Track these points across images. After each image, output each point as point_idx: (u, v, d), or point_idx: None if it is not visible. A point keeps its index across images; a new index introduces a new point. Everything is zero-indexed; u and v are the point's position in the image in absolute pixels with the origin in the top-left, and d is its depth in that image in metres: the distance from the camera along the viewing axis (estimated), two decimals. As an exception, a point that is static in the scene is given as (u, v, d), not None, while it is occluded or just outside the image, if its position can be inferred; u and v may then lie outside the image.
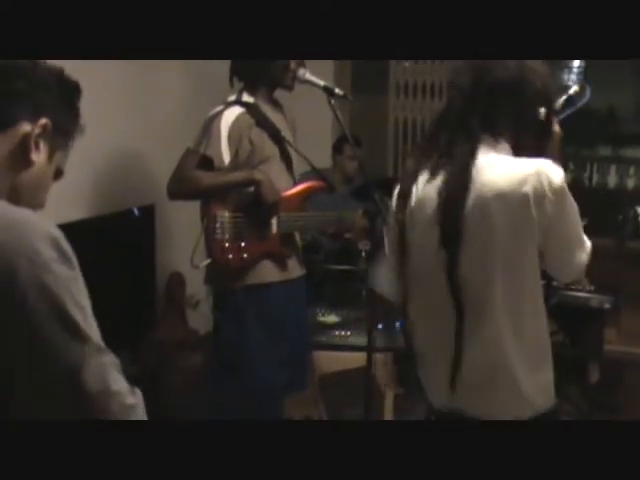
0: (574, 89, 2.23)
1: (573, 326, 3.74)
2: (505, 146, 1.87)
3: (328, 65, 5.28)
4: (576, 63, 5.18)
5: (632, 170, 5.24)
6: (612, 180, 5.28)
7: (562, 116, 2.13)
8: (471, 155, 1.84)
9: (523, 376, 1.88)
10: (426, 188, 1.92)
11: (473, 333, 1.87)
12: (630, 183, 5.23)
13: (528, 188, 1.78)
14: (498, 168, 1.82)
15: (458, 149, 1.86)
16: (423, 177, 1.93)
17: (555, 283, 3.50)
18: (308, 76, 2.90)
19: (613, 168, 5.29)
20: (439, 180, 1.88)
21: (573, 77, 5.26)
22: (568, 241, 1.89)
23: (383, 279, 2.13)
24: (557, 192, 1.80)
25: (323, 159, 4.76)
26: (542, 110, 1.90)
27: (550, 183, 1.79)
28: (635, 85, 5.70)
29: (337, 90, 2.80)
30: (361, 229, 3.02)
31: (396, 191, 2.01)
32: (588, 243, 1.93)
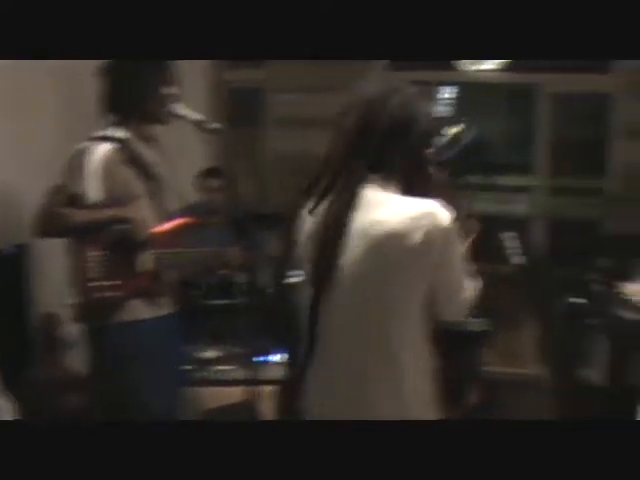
0: (459, 129, 2.24)
1: (452, 350, 3.82)
2: (394, 186, 1.89)
3: (203, 97, 5.27)
4: (446, 95, 5.35)
5: (505, 197, 5.42)
6: (485, 206, 5.43)
7: (448, 157, 2.14)
8: (352, 195, 1.86)
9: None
10: (307, 229, 1.95)
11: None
12: (502, 209, 5.41)
13: (420, 228, 1.81)
14: (389, 206, 1.84)
15: (340, 189, 1.88)
16: (306, 218, 1.96)
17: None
18: (181, 110, 2.88)
19: (485, 195, 5.45)
20: (318, 221, 1.91)
21: (445, 109, 5.43)
22: (454, 282, 1.94)
23: None
24: (446, 234, 1.84)
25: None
26: (425, 150, 1.94)
27: (440, 225, 1.82)
28: (506, 115, 5.93)
29: (211, 124, 2.80)
30: (237, 264, 3.02)
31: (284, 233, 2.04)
32: (472, 284, 1.99)
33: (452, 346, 3.78)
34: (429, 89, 5.11)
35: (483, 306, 3.78)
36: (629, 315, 2.89)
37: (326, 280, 1.88)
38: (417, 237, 1.81)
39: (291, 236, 2.00)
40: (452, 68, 5.13)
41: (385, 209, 1.84)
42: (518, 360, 5.04)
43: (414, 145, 1.91)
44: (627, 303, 3.04)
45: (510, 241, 2.95)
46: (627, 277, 3.54)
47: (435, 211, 1.83)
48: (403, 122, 1.88)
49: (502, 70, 5.07)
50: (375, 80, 1.98)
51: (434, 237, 1.82)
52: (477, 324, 3.77)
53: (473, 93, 5.39)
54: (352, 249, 1.86)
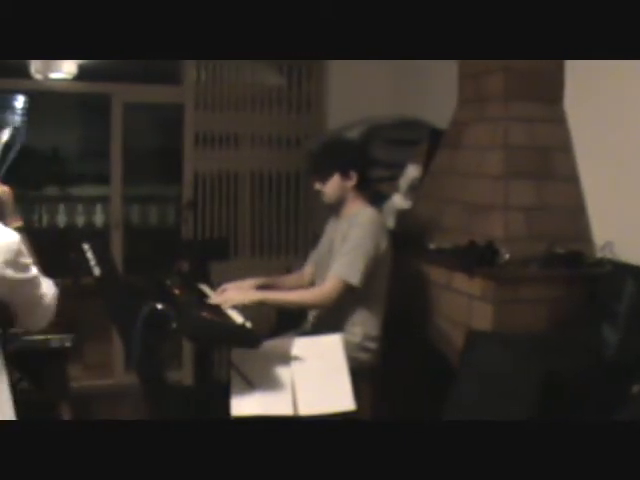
0: (8, 134, 2.19)
1: (36, 370, 3.70)
2: None
3: None
4: (20, 104, 5.12)
5: (80, 208, 5.37)
6: (62, 219, 5.33)
7: (5, 166, 2.11)
8: None
9: None
10: None
11: None
12: (80, 220, 5.35)
13: None
14: None
15: None
16: None
17: (15, 330, 3.42)
18: None
19: (62, 207, 5.35)
20: None
21: (16, 118, 5.19)
22: (31, 296, 1.96)
23: None
24: (17, 251, 1.87)
25: None
26: None
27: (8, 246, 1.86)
28: (77, 127, 5.85)
29: None
30: None
31: None
32: (51, 288, 2.03)
33: (34, 367, 3.67)
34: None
35: (65, 321, 3.71)
36: (209, 315, 3.00)
37: None
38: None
39: None
40: (26, 76, 4.92)
41: None
42: (108, 371, 5.03)
43: None
44: (207, 304, 3.15)
45: (89, 252, 2.90)
46: (205, 279, 3.69)
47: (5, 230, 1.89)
48: None
49: (75, 79, 4.98)
50: None
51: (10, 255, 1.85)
52: (60, 340, 3.67)
53: (48, 102, 5.24)
54: None
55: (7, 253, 1.84)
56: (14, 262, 1.85)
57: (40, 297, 1.97)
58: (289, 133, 5.36)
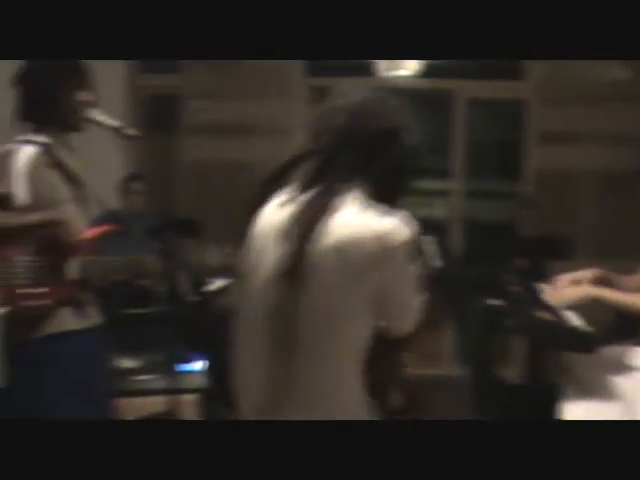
0: None
1: (372, 353, 3.85)
2: (367, 192, 1.88)
3: (118, 103, 5.19)
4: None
5: (423, 201, 5.51)
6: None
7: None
8: (333, 197, 1.84)
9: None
10: (274, 219, 1.91)
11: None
12: (420, 213, 5.49)
13: (387, 243, 1.81)
14: (359, 215, 1.83)
15: (323, 189, 1.85)
16: (271, 210, 1.93)
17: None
18: (98, 116, 2.83)
19: (407, 199, 5.53)
20: (288, 214, 1.88)
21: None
22: (407, 298, 1.96)
23: None
24: (406, 250, 1.85)
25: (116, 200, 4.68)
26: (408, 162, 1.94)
27: (403, 241, 1.83)
28: (424, 120, 6.01)
29: (128, 130, 2.76)
30: (156, 272, 2.95)
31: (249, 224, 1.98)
32: (419, 299, 2.01)
33: (372, 349, 3.84)
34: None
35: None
36: (545, 315, 2.96)
37: (290, 278, 1.84)
38: (381, 251, 1.82)
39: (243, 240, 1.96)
40: (370, 74, 5.17)
41: (355, 217, 1.83)
42: (439, 362, 5.13)
43: (400, 156, 1.91)
44: (542, 303, 3.10)
45: (428, 244, 2.98)
46: (542, 278, 3.62)
47: (401, 227, 1.84)
48: (395, 130, 1.89)
49: (419, 76, 5.13)
50: (360, 87, 1.99)
51: (396, 253, 1.83)
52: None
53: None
54: (316, 251, 1.83)
55: (403, 243, 1.84)
56: (405, 253, 1.85)
57: (412, 303, 1.97)
58: (630, 130, 5.09)
